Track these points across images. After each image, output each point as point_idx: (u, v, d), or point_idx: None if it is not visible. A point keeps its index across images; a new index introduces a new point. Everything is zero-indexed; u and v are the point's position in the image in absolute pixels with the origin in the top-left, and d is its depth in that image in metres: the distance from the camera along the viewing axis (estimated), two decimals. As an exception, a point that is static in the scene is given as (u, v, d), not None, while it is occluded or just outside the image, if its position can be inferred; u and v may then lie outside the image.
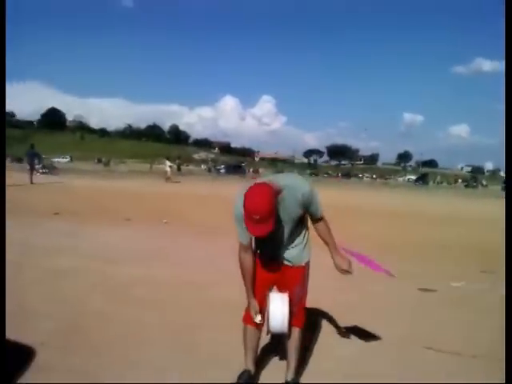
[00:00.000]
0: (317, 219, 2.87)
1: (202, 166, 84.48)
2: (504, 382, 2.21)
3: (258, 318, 2.83)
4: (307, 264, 2.97)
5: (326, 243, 2.92)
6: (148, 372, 3.14)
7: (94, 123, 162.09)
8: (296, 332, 2.94)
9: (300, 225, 2.87)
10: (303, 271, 2.94)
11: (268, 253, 2.91)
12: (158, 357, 3.38)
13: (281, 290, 2.91)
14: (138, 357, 3.37)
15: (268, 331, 2.86)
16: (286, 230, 2.79)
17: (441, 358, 3.56)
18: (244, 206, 2.51)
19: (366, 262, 3.29)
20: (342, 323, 4.22)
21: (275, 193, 2.54)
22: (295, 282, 2.90)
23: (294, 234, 2.86)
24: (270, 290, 2.94)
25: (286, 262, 2.89)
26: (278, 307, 2.75)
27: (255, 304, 2.84)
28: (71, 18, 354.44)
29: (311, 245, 3.01)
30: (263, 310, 2.85)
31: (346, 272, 2.87)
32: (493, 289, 5.87)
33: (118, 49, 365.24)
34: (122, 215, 11.14)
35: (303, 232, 2.93)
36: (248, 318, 2.91)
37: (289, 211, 2.70)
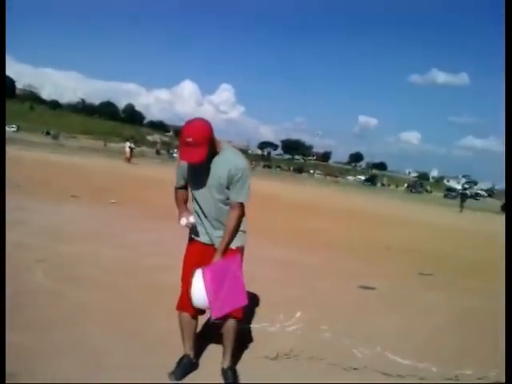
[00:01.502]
0: (234, 204, 2.83)
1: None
2: (504, 381, 2.25)
3: (182, 221, 2.85)
4: (239, 250, 2.92)
5: (224, 235, 2.84)
6: (87, 355, 3.09)
7: (46, 95, 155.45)
8: (231, 322, 2.92)
9: (224, 205, 2.86)
10: (233, 255, 2.87)
11: (199, 224, 2.91)
12: (99, 339, 3.34)
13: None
14: (77, 338, 3.31)
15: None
16: (213, 196, 2.81)
17: (373, 355, 3.69)
18: (180, 130, 2.66)
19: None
20: (287, 316, 4.28)
21: (213, 134, 2.69)
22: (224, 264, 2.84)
23: (221, 210, 2.85)
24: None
25: (216, 246, 2.88)
26: (198, 283, 2.75)
27: (181, 211, 2.92)
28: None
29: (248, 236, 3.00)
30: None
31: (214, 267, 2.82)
32: (429, 290, 6.14)
33: (80, 21, 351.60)
34: (69, 192, 10.83)
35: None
36: (182, 305, 2.92)
37: (219, 174, 2.77)
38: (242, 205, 2.87)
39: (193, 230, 2.95)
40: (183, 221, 2.86)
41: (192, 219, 2.85)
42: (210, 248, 2.90)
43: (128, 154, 30.87)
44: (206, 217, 2.88)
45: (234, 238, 2.86)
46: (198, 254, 2.92)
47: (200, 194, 2.85)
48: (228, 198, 2.84)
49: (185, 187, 3.01)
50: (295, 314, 4.34)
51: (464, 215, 27.52)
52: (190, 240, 3.01)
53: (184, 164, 2.86)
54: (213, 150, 2.72)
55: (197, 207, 2.92)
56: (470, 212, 31.14)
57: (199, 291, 2.75)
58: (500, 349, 3.11)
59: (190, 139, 2.59)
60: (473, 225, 19.47)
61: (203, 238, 2.93)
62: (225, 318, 2.88)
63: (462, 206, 31.79)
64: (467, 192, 41.87)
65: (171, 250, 3.01)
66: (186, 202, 3.01)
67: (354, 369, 3.36)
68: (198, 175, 2.83)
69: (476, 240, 13.49)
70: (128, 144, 31.95)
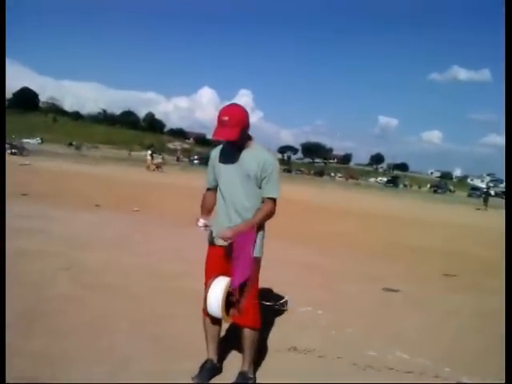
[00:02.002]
0: (266, 198, 2.85)
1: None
2: (504, 382, 2.22)
3: (200, 222, 2.89)
4: (257, 259, 2.90)
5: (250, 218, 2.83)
6: (112, 360, 3.12)
7: (68, 106, 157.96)
8: (246, 332, 2.91)
9: (255, 200, 2.85)
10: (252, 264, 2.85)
11: (223, 216, 2.89)
12: (123, 345, 3.37)
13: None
14: (102, 344, 3.35)
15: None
16: (241, 188, 2.82)
17: (400, 358, 3.65)
18: (219, 111, 2.72)
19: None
20: (310, 320, 4.27)
21: (248, 120, 2.77)
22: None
23: (247, 202, 2.83)
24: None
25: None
26: (213, 291, 2.74)
27: (202, 213, 2.99)
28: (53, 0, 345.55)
29: (265, 243, 2.97)
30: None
31: (223, 235, 2.78)
32: (454, 292, 6.06)
33: (97, 32, 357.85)
34: (91, 201, 11.00)
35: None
36: (205, 310, 2.91)
37: (247, 166, 2.80)
38: (274, 200, 2.87)
39: (212, 234, 2.95)
40: (201, 222, 2.88)
41: (209, 222, 2.86)
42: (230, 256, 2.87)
43: (149, 162, 31.56)
44: (231, 208, 2.86)
45: (258, 223, 2.83)
46: (219, 259, 2.92)
47: (228, 185, 2.87)
48: (255, 191, 2.84)
49: (215, 189, 3.01)
50: (319, 316, 4.32)
51: (488, 214, 27.01)
52: (211, 243, 3.00)
53: (214, 160, 2.94)
54: (246, 136, 2.80)
55: (222, 201, 2.91)
56: (494, 210, 30.55)
57: (214, 301, 2.73)
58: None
59: (226, 118, 2.67)
60: (497, 224, 19.07)
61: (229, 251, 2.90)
62: (242, 327, 2.90)
63: (486, 205, 31.63)
64: (490, 191, 41.67)
65: (191, 255, 3.04)
66: (210, 210, 3.02)
67: (376, 369, 3.33)
68: (227, 167, 2.86)
69: (501, 239, 13.22)
70: (149, 152, 32.80)
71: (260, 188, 2.85)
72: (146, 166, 31.89)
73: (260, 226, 2.89)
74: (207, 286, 2.82)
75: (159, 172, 30.18)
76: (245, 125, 2.75)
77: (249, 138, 2.88)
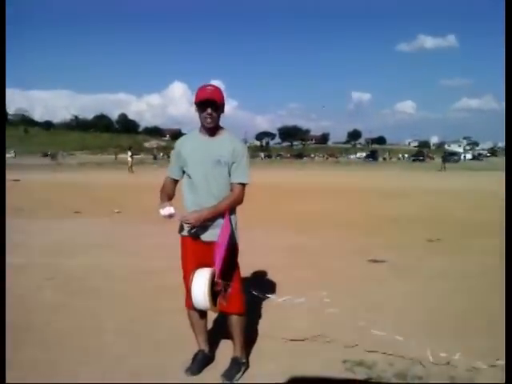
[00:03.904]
0: (235, 184, 2.85)
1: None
2: (504, 382, 2.25)
3: (164, 211, 2.79)
4: (235, 245, 2.92)
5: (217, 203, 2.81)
6: (106, 360, 3.13)
7: (38, 116, 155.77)
8: (234, 319, 2.95)
9: (224, 186, 2.85)
10: (230, 251, 2.84)
11: (192, 205, 2.85)
12: (113, 345, 3.37)
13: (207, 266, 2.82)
14: (91, 346, 3.35)
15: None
16: (210, 177, 2.80)
17: (388, 326, 3.71)
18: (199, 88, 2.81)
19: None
20: (299, 298, 4.29)
21: (224, 101, 2.84)
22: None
23: (217, 187, 2.82)
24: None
25: (212, 239, 2.81)
26: (197, 284, 2.70)
27: (163, 204, 2.85)
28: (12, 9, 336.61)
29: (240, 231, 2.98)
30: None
31: (186, 220, 2.76)
32: (438, 255, 6.17)
33: (61, 39, 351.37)
34: (71, 208, 10.89)
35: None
36: (188, 303, 2.90)
37: (218, 152, 2.81)
38: (243, 186, 2.88)
39: (183, 226, 2.91)
40: (166, 210, 2.78)
41: (173, 210, 2.79)
42: (206, 245, 2.85)
43: (130, 164, 31.12)
44: (201, 195, 2.84)
45: (224, 210, 2.79)
46: (193, 250, 2.90)
47: (197, 172, 2.84)
48: (225, 177, 2.84)
49: (176, 180, 3.00)
50: (306, 295, 4.36)
51: (451, 175, 27.42)
52: (182, 235, 2.97)
53: (180, 149, 2.91)
54: (221, 114, 2.84)
55: (190, 190, 2.89)
56: (471, 173, 31.12)
57: (200, 294, 2.69)
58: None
59: (211, 87, 2.80)
60: (474, 185, 19.39)
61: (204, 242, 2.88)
62: (229, 314, 2.93)
63: (444, 166, 36.99)
64: (447, 154, 52.24)
65: (175, 251, 3.04)
66: (170, 198, 2.96)
67: (365, 345, 3.39)
68: (196, 154, 2.84)
69: (478, 200, 13.44)
70: (129, 153, 32.32)
71: (230, 175, 2.85)
72: (128, 167, 31.08)
73: (231, 212, 2.89)
74: (189, 280, 2.77)
75: (131, 173, 29.46)
76: (224, 101, 2.82)
77: (219, 126, 2.89)
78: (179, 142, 3.01)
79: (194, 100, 2.81)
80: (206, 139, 2.86)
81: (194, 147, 2.88)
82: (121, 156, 61.86)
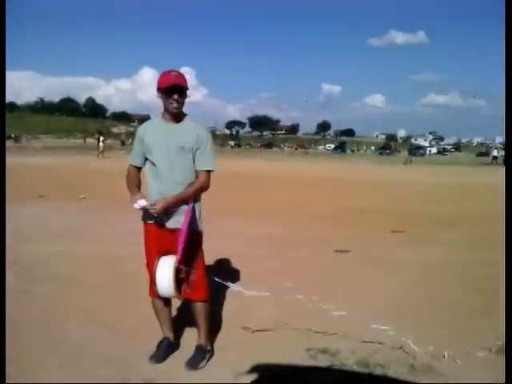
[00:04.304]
0: (200, 171, 2.84)
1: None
2: (504, 382, 2.27)
3: (138, 204, 2.77)
4: (199, 232, 2.92)
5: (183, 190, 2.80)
6: (69, 349, 3.09)
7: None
8: (198, 306, 2.96)
9: (189, 173, 2.83)
10: (195, 239, 2.87)
11: (156, 193, 2.83)
12: (76, 333, 3.33)
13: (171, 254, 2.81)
14: (54, 334, 3.30)
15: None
16: (174, 164, 2.78)
17: (354, 314, 3.78)
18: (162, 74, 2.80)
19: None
20: (264, 289, 4.31)
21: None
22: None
23: (182, 174, 2.81)
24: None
25: (176, 226, 2.79)
26: (162, 272, 2.69)
27: (134, 194, 2.85)
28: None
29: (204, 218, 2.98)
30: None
31: (152, 207, 2.74)
32: (402, 247, 6.31)
33: (26, 20, 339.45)
34: (35, 192, 10.63)
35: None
36: (152, 292, 2.89)
37: (182, 139, 2.79)
38: (208, 173, 2.87)
39: (147, 213, 2.86)
40: (140, 203, 2.77)
41: (145, 202, 2.77)
42: (170, 232, 2.82)
43: (101, 149, 30.61)
44: (166, 182, 2.80)
45: (189, 197, 2.79)
46: (156, 237, 2.87)
47: (161, 159, 2.80)
48: (190, 164, 2.82)
49: (139, 167, 2.97)
50: (272, 284, 4.40)
51: (417, 169, 28.04)
52: (146, 223, 2.93)
53: (143, 136, 2.87)
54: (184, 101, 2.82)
55: (154, 176, 2.85)
56: (436, 166, 31.85)
57: (165, 282, 2.67)
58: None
59: (174, 72, 2.78)
60: (438, 179, 19.86)
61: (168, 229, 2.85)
62: (194, 302, 2.94)
63: (410, 160, 37.70)
64: (413, 147, 55.52)
65: (138, 238, 3.02)
66: (139, 187, 2.93)
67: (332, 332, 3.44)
68: (160, 141, 2.80)
69: (442, 193, 13.77)
70: (101, 138, 31.83)
71: (194, 161, 2.83)
72: (98, 152, 30.45)
73: (196, 199, 2.88)
74: (152, 268, 2.75)
75: (103, 158, 29.18)
76: (187, 84, 2.80)
77: (183, 113, 2.87)
78: (141, 129, 2.95)
79: (157, 86, 2.78)
80: (169, 125, 2.84)
81: (157, 134, 2.85)
82: (90, 140, 60.56)
